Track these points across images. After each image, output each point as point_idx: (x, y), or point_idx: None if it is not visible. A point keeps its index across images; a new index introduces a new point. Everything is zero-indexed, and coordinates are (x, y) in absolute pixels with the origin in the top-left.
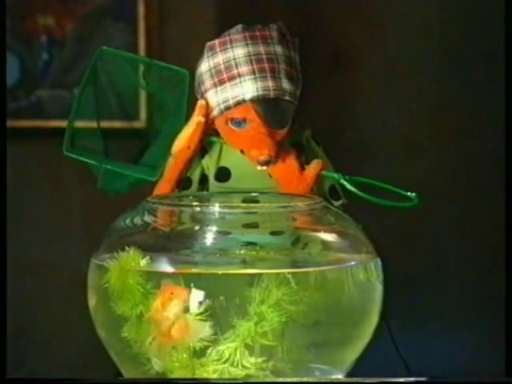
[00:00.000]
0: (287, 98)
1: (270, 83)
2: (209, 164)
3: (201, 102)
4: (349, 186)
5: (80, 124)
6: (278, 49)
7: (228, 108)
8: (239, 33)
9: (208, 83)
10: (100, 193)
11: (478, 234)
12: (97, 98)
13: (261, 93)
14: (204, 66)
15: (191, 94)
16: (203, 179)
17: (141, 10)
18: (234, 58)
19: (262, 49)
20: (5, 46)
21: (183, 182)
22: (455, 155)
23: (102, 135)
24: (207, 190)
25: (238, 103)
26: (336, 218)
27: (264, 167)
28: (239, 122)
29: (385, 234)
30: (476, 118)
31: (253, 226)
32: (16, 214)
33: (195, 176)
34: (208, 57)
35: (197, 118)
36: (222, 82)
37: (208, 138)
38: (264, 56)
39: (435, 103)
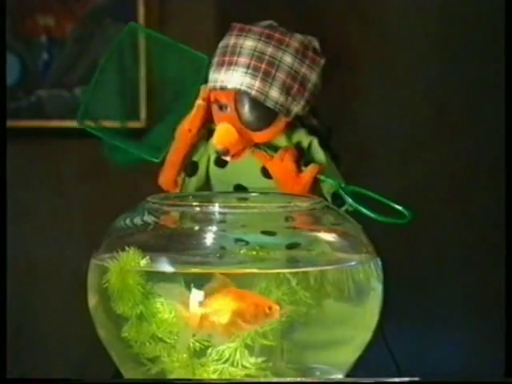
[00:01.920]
0: (270, 104)
1: (257, 83)
2: (212, 147)
3: (203, 87)
4: (345, 196)
5: (96, 98)
6: (287, 58)
7: (214, 88)
8: (261, 27)
9: (214, 59)
10: (100, 193)
11: (478, 234)
12: (119, 71)
13: (243, 87)
14: (220, 43)
15: (206, 81)
16: (209, 162)
17: (141, 10)
18: (241, 47)
19: (269, 50)
20: (5, 46)
21: (189, 166)
22: (455, 155)
23: (117, 111)
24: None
25: (221, 88)
26: (336, 218)
27: (222, 156)
28: (221, 106)
29: (385, 234)
30: (476, 118)
31: (255, 225)
32: (16, 214)
33: (203, 160)
34: (227, 36)
35: (198, 102)
36: (221, 63)
37: (212, 125)
38: (266, 57)
39: (435, 103)
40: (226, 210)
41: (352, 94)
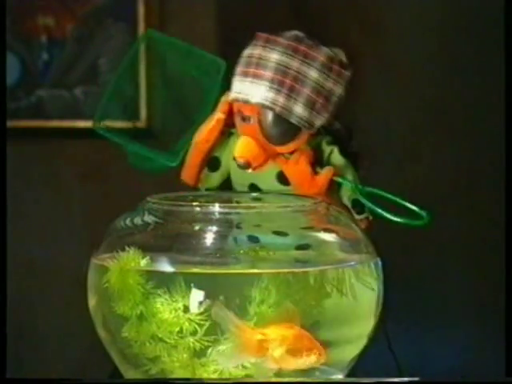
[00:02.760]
0: (294, 120)
1: (281, 99)
2: (234, 145)
3: (225, 98)
4: (362, 198)
5: (112, 103)
6: (313, 73)
7: (236, 99)
8: (288, 39)
9: (238, 68)
10: (100, 193)
11: (478, 233)
12: (134, 78)
13: (267, 103)
14: (245, 51)
15: (224, 86)
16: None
17: (141, 9)
18: (266, 59)
19: (295, 64)
20: (5, 46)
21: (211, 162)
22: (455, 155)
23: (131, 118)
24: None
25: (244, 101)
26: (336, 218)
27: (241, 169)
28: (244, 117)
29: (385, 235)
30: (476, 118)
31: (256, 225)
32: (16, 214)
33: (225, 155)
34: (251, 45)
35: (217, 115)
36: (245, 74)
37: (230, 130)
38: (292, 72)
39: (435, 103)
40: (226, 210)
41: (352, 94)
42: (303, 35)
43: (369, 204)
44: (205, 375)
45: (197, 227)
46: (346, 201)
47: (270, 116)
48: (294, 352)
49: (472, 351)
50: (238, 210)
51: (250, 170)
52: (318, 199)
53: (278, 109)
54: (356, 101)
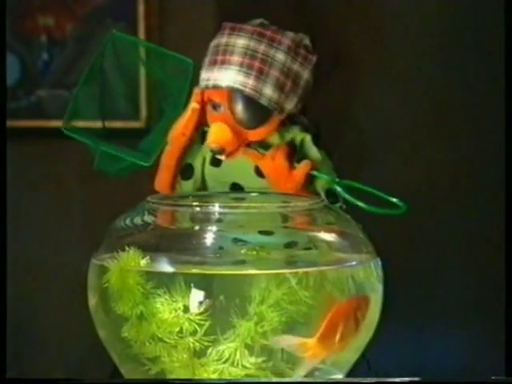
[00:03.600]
0: (264, 102)
1: (251, 81)
2: (206, 148)
3: (196, 90)
4: (340, 190)
5: (81, 103)
6: (280, 55)
7: (206, 87)
8: (253, 25)
9: (206, 59)
10: (100, 193)
11: (478, 233)
12: (102, 81)
13: (237, 86)
14: (211, 43)
15: (193, 85)
16: (204, 163)
17: (141, 9)
18: (233, 45)
19: (261, 48)
20: (5, 46)
21: (184, 169)
22: (455, 155)
23: (102, 118)
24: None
25: (215, 86)
26: (336, 218)
27: (217, 155)
28: (215, 105)
29: (385, 234)
30: (476, 118)
31: (256, 225)
32: (16, 214)
33: (197, 162)
34: (218, 35)
35: (191, 105)
36: (213, 62)
37: (204, 127)
38: (259, 55)
39: (435, 103)
40: (226, 210)
41: (352, 94)
42: (267, 22)
43: (346, 196)
44: (205, 375)
45: (197, 227)
46: (320, 191)
47: (240, 100)
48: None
49: (472, 351)
50: (238, 210)
51: (223, 157)
52: (318, 199)
53: (247, 90)
54: (356, 101)
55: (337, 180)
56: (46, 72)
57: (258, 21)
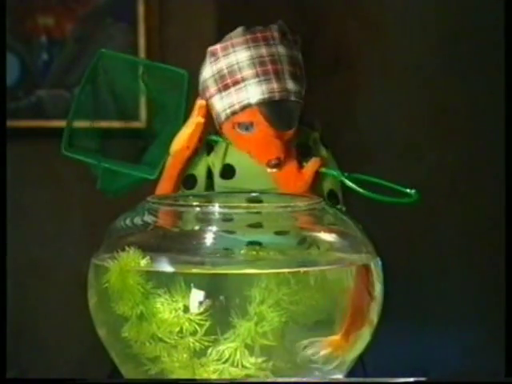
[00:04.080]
0: (293, 98)
1: (275, 85)
2: (214, 161)
3: (200, 103)
4: (349, 183)
5: (79, 124)
6: (281, 49)
7: (234, 113)
8: (240, 36)
9: (212, 89)
10: (100, 193)
11: (479, 234)
12: (96, 99)
13: (266, 96)
14: (207, 72)
15: (190, 94)
16: (210, 175)
17: (141, 10)
18: (237, 63)
19: (264, 51)
20: (5, 46)
21: (187, 180)
22: (455, 155)
23: (100, 135)
24: (213, 186)
25: (244, 107)
26: (336, 218)
27: (274, 169)
28: (246, 126)
29: (385, 234)
30: (476, 118)
31: (256, 225)
32: (16, 214)
33: (201, 172)
34: (211, 62)
35: (196, 119)
36: (226, 88)
37: (209, 137)
38: (267, 58)
39: (435, 103)
40: (226, 210)
41: (352, 94)
42: (246, 27)
43: (357, 188)
44: (205, 375)
45: (197, 227)
46: (324, 192)
47: (271, 107)
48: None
49: (472, 351)
50: (237, 211)
51: (274, 170)
52: (318, 199)
53: (277, 95)
54: (356, 101)
55: (346, 174)
56: (46, 72)
57: (239, 29)
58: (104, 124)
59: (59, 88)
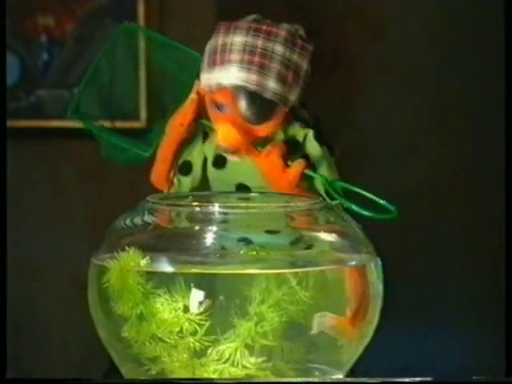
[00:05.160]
0: (269, 96)
1: (254, 77)
2: (209, 148)
3: (196, 81)
4: (331, 191)
5: (89, 93)
6: (278, 48)
7: (211, 90)
8: (248, 22)
9: (205, 61)
10: (100, 193)
11: (478, 234)
12: (111, 71)
13: (241, 83)
14: (208, 44)
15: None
16: (206, 163)
17: (141, 10)
18: (231, 44)
19: (260, 42)
20: (5, 46)
21: (182, 166)
22: (455, 155)
23: (107, 105)
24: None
25: (219, 86)
26: (336, 218)
27: (228, 156)
28: (219, 106)
29: (385, 234)
30: (476, 118)
31: (256, 225)
32: (16, 214)
33: (197, 160)
34: (213, 36)
35: (191, 95)
36: (213, 63)
37: (201, 120)
38: (259, 50)
39: (435, 103)
40: (225, 210)
41: (352, 94)
42: (261, 17)
43: (338, 198)
44: (205, 375)
45: (197, 227)
46: (320, 189)
47: (244, 96)
48: None
49: (472, 351)
50: (237, 211)
51: (231, 157)
52: (317, 199)
53: (252, 86)
54: (356, 101)
55: (330, 180)
56: (46, 72)
57: (252, 17)
58: (107, 124)
59: (59, 88)
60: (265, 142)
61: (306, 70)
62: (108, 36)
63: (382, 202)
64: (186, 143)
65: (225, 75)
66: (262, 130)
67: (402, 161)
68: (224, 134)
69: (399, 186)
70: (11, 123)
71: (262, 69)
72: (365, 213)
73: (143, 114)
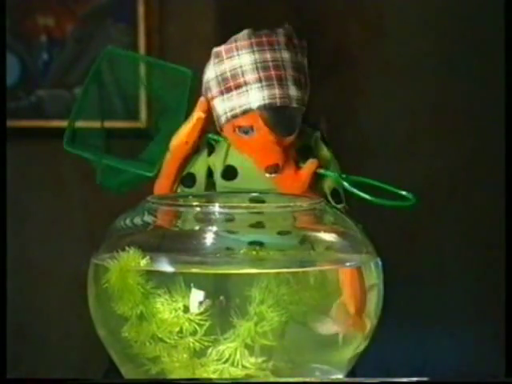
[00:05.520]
0: (294, 104)
1: (277, 91)
2: (216, 162)
3: (202, 99)
4: (347, 186)
5: (82, 121)
6: (285, 55)
7: (235, 116)
8: (246, 39)
9: (215, 91)
10: (100, 193)
11: (478, 233)
12: (100, 96)
13: (267, 101)
14: (210, 73)
15: (193, 93)
16: (210, 175)
17: (141, 10)
18: (241, 66)
19: (268, 56)
20: (5, 45)
21: (185, 178)
22: (455, 155)
23: (102, 133)
24: (214, 185)
25: (245, 112)
26: (336, 218)
27: (272, 175)
28: (246, 130)
29: (385, 234)
30: (476, 118)
31: (256, 226)
32: (16, 214)
33: (200, 171)
34: (215, 64)
35: (197, 114)
36: (228, 90)
37: (207, 135)
38: (270, 63)
39: (435, 103)
40: (226, 210)
41: (352, 94)
42: (252, 30)
43: (354, 190)
44: (205, 375)
45: (197, 227)
46: (326, 190)
47: (272, 113)
48: None
49: (472, 351)
50: (237, 211)
51: (272, 175)
52: (318, 199)
53: (278, 101)
54: (356, 101)
55: (344, 176)
56: (46, 72)
57: (246, 32)
58: (107, 124)
59: (59, 88)
60: (291, 147)
61: (306, 66)
62: (108, 36)
63: (398, 191)
64: (189, 159)
65: (248, 99)
66: (290, 139)
67: (401, 160)
68: (264, 160)
69: (399, 185)
70: (11, 123)
71: (281, 80)
72: (382, 202)
73: (143, 114)
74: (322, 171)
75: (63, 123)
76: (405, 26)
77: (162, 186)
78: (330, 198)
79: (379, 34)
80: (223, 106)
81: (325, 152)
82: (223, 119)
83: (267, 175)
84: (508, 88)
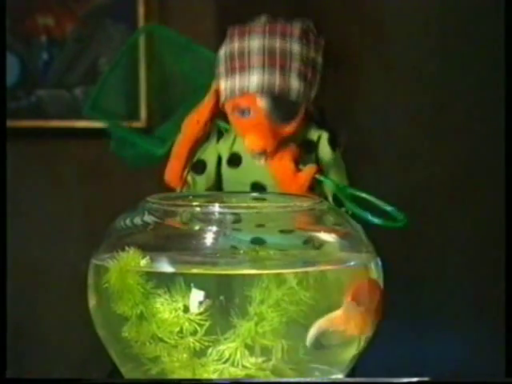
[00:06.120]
0: (294, 97)
1: (277, 80)
2: (223, 148)
3: (215, 86)
4: (340, 195)
5: (105, 92)
6: (296, 47)
7: (233, 95)
8: (261, 24)
9: (221, 68)
10: (100, 193)
11: (478, 234)
12: (128, 71)
13: (266, 87)
14: (222, 51)
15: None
16: (220, 163)
17: (141, 10)
18: (248, 49)
19: (277, 44)
20: (5, 46)
21: (196, 165)
22: (455, 156)
23: (127, 101)
24: (221, 173)
25: (244, 92)
26: (336, 218)
27: (260, 160)
28: (243, 111)
29: (385, 234)
30: (476, 118)
31: (256, 225)
32: (16, 214)
33: (211, 159)
34: (226, 42)
35: (209, 94)
36: (232, 70)
37: (218, 123)
38: (278, 51)
39: (435, 103)
40: (225, 210)
41: (352, 94)
42: (269, 17)
43: (349, 205)
44: (205, 375)
45: (197, 227)
46: (328, 194)
47: (269, 99)
48: None
49: (472, 351)
50: (237, 210)
51: (263, 160)
52: (318, 199)
53: (276, 89)
54: (356, 101)
55: (341, 186)
56: (46, 72)
57: (263, 18)
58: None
59: (59, 88)
60: (290, 140)
61: (321, 63)
62: (108, 36)
63: (391, 211)
64: (200, 142)
65: (247, 80)
66: (288, 129)
67: (401, 161)
68: (252, 141)
69: (399, 185)
70: (11, 123)
71: (284, 70)
72: (375, 220)
73: (143, 114)
74: (320, 177)
75: (63, 123)
76: (405, 27)
77: (172, 167)
78: (331, 202)
79: (379, 33)
80: (225, 85)
81: (327, 154)
82: (223, 97)
83: (256, 161)
84: (508, 88)
